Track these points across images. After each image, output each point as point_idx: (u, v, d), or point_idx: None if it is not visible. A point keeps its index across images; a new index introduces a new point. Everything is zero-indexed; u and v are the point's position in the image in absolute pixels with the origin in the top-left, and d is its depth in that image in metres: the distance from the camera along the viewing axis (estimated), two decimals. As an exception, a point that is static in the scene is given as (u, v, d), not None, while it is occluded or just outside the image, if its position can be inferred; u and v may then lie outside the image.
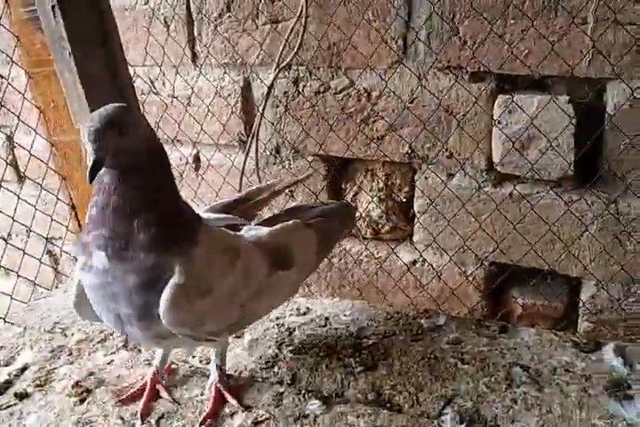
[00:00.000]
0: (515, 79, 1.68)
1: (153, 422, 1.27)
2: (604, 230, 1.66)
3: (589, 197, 1.65)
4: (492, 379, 1.35)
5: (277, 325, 1.61)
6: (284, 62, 1.80)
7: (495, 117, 1.68)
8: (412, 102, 1.79)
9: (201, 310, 1.12)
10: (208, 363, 1.43)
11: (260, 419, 1.25)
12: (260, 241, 1.29)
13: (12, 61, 1.99)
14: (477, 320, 1.59)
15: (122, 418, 1.29)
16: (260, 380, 1.38)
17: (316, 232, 1.39)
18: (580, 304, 1.78)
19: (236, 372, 1.41)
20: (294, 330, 1.58)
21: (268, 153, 2.07)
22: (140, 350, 1.53)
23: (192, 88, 2.10)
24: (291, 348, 1.50)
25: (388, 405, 1.29)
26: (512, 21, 1.59)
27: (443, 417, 1.24)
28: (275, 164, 2.08)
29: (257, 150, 1.96)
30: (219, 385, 1.32)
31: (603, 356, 1.39)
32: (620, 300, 1.71)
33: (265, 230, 1.33)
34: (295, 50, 1.77)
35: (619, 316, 1.72)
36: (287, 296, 1.46)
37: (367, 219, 2.03)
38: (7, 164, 2.53)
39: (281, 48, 1.82)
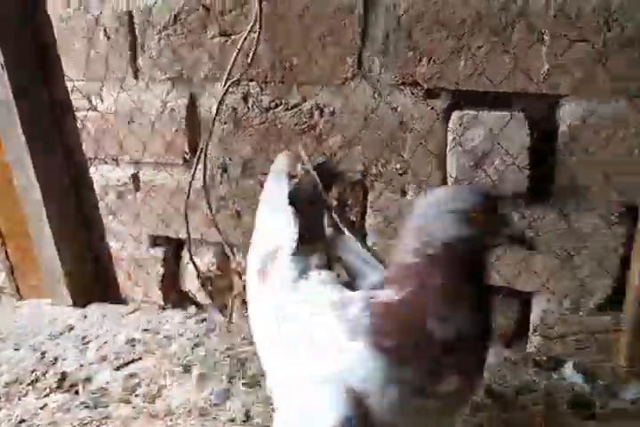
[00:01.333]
0: (471, 95, 1.68)
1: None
2: (557, 245, 1.67)
3: (543, 213, 1.66)
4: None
5: (228, 356, 1.51)
6: (235, 77, 1.74)
7: (450, 134, 1.68)
8: (366, 119, 1.76)
9: None
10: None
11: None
12: None
13: None
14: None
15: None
16: (212, 418, 1.27)
17: None
18: (532, 320, 1.78)
19: (184, 410, 1.29)
20: (246, 361, 1.48)
21: (215, 172, 1.99)
22: (76, 392, 1.37)
23: (134, 103, 2.00)
24: (244, 381, 1.40)
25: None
26: (469, 38, 1.60)
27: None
28: (222, 183, 2.00)
29: (205, 169, 1.87)
30: None
31: (564, 373, 1.37)
32: (569, 314, 1.71)
33: None
34: (248, 64, 1.71)
35: (569, 330, 1.72)
36: None
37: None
38: None
39: (231, 62, 1.76)
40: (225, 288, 2.15)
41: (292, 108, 1.83)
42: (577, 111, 1.56)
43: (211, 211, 1.82)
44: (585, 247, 1.66)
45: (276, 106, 1.85)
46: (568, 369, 1.37)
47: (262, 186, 1.40)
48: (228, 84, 1.80)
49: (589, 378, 1.32)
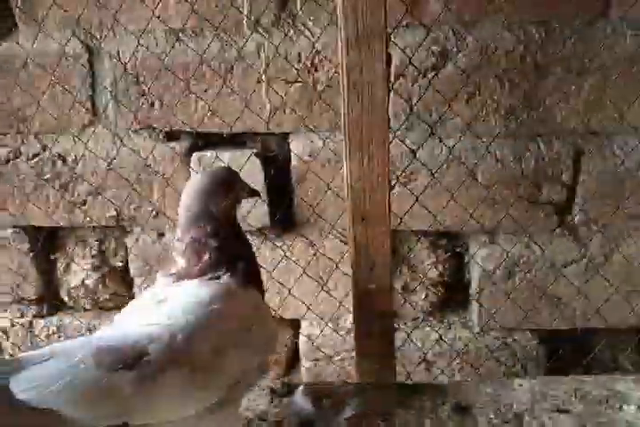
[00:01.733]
0: (209, 136, 1.74)
1: None
2: (311, 271, 1.76)
3: (294, 242, 1.75)
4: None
5: None
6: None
7: (193, 174, 1.71)
8: (110, 164, 1.74)
9: None
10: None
11: None
12: None
13: None
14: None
15: None
16: None
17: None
18: (300, 346, 1.85)
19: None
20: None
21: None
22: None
23: None
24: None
25: None
26: (194, 82, 1.65)
27: None
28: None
29: None
30: None
31: (294, 398, 1.42)
32: (330, 336, 1.81)
33: None
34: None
35: (333, 351, 1.82)
36: None
37: (83, 289, 1.90)
38: None
39: (-45, 115, 1.67)
40: None
41: (33, 158, 1.76)
42: (305, 147, 1.67)
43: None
44: (336, 269, 1.77)
45: (15, 157, 1.77)
46: (297, 394, 1.42)
47: None
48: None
49: (317, 400, 1.38)
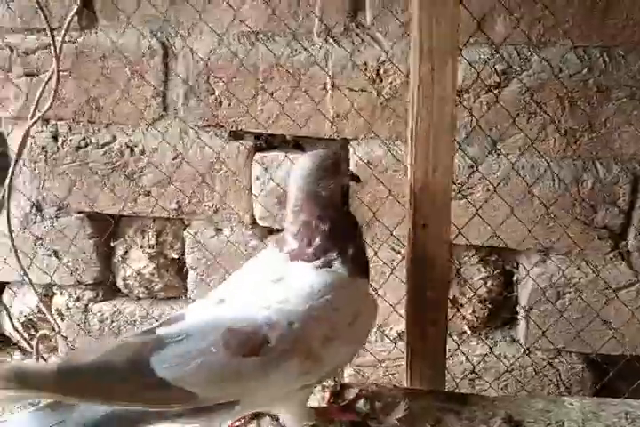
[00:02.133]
0: (272, 138, 1.78)
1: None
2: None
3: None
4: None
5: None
6: (37, 116, 1.72)
7: (254, 174, 1.75)
8: (175, 158, 1.80)
9: None
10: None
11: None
12: None
13: None
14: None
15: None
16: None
17: None
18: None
19: None
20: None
21: (28, 211, 1.94)
22: None
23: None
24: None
25: None
26: (262, 84, 1.69)
27: None
28: (36, 222, 1.96)
29: (9, 210, 1.82)
30: None
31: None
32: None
33: None
34: (49, 104, 1.70)
35: (378, 358, 1.84)
36: None
37: (138, 277, 1.97)
38: None
39: (35, 102, 1.74)
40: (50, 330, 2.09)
41: (102, 146, 1.84)
42: (363, 153, 1.69)
43: (16, 252, 1.77)
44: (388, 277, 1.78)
45: (86, 145, 1.85)
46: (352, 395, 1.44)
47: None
48: (33, 122, 1.76)
49: (369, 401, 1.41)
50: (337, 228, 1.11)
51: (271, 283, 1.09)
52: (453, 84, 1.19)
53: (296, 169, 1.15)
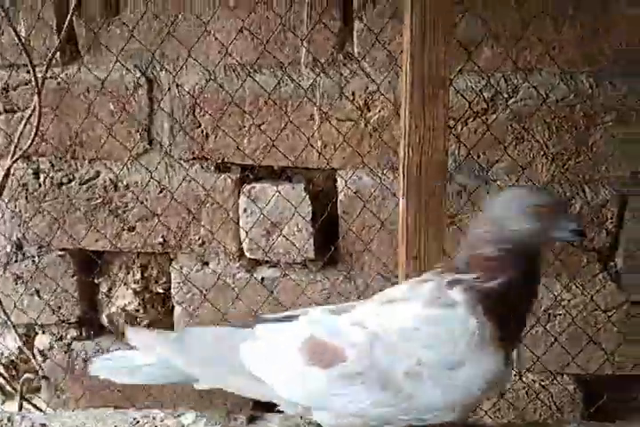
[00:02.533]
0: (257, 169, 1.77)
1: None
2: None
3: (332, 276, 1.77)
4: None
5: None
6: (17, 154, 1.69)
7: (241, 206, 1.74)
8: (161, 192, 1.78)
9: None
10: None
11: None
12: None
13: None
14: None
15: None
16: None
17: None
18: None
19: None
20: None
21: (9, 250, 1.90)
22: None
23: None
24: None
25: None
26: (249, 116, 1.69)
27: None
28: (17, 261, 1.91)
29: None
30: None
31: None
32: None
33: None
34: (30, 141, 1.67)
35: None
36: None
37: (124, 314, 1.93)
38: None
39: (16, 139, 1.72)
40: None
41: (85, 182, 1.81)
42: (350, 182, 1.70)
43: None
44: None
45: (69, 181, 1.82)
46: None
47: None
48: (12, 160, 1.73)
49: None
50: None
51: (380, 304, 1.06)
52: (445, 114, 1.21)
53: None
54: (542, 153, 1.62)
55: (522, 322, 1.04)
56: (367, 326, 1.01)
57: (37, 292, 1.93)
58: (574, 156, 1.62)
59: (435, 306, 1.00)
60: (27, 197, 1.84)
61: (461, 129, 1.62)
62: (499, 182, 1.64)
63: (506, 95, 1.60)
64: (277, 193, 1.70)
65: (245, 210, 1.74)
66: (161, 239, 1.82)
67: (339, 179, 1.72)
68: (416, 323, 1.00)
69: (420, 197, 1.25)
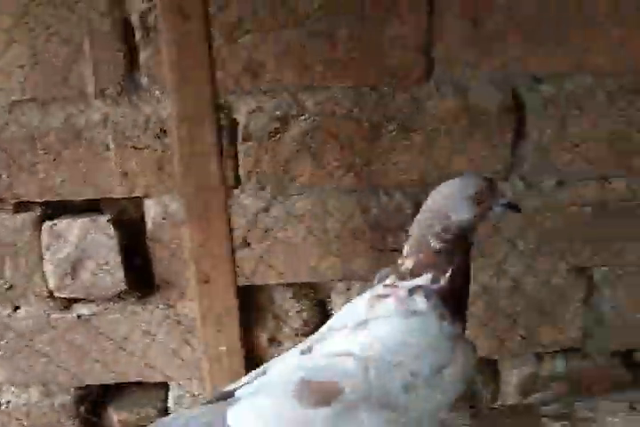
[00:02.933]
0: (62, 204, 1.72)
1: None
2: (171, 334, 1.76)
3: (151, 306, 1.75)
4: None
5: None
6: None
7: (44, 244, 1.69)
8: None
9: None
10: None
11: None
12: None
13: None
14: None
15: None
16: None
17: None
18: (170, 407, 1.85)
19: None
20: None
21: None
22: None
23: None
24: None
25: None
26: (42, 152, 1.64)
27: None
28: None
29: None
30: None
31: None
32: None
33: None
34: None
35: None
36: None
37: None
38: None
39: None
40: None
41: None
42: (158, 210, 1.70)
43: None
44: (196, 330, 1.78)
45: None
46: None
47: None
48: None
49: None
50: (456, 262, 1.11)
51: (353, 328, 1.06)
52: (214, 140, 1.25)
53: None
54: (337, 165, 1.71)
55: (466, 306, 1.13)
56: (353, 352, 1.03)
57: None
58: (366, 165, 1.71)
59: (408, 317, 1.05)
60: None
61: (258, 147, 1.66)
62: (300, 196, 1.71)
63: (295, 113, 1.67)
64: (79, 227, 1.66)
65: (49, 248, 1.68)
66: (-38, 287, 1.72)
67: (145, 207, 1.71)
68: (398, 337, 1.03)
69: (203, 224, 1.28)
